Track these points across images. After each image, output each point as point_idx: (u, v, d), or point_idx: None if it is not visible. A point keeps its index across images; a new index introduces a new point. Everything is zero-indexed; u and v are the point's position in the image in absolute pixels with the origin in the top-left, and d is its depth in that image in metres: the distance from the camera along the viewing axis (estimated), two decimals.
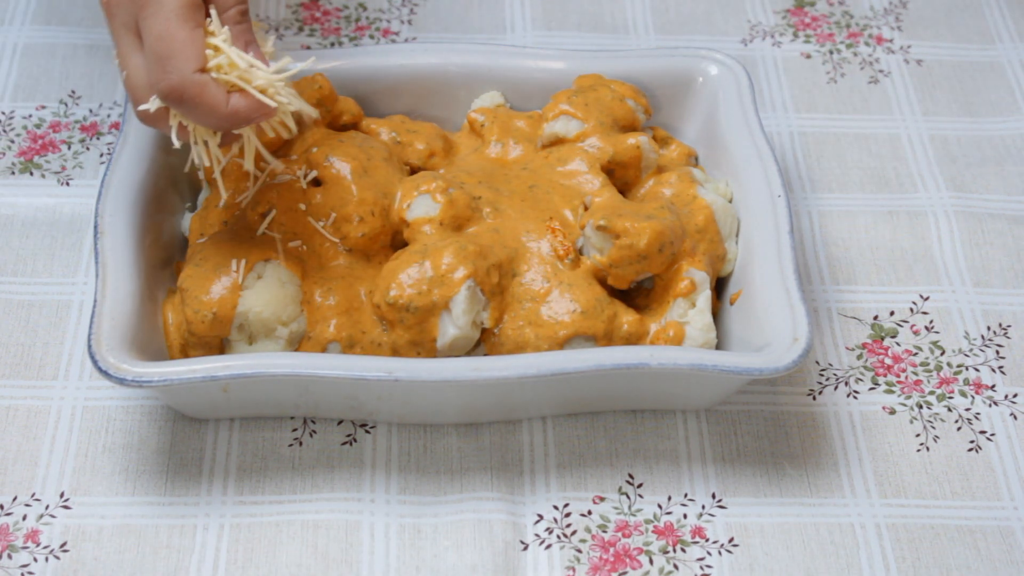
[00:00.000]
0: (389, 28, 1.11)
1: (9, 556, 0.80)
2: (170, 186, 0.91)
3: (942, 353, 0.92)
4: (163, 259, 0.88)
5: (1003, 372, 0.92)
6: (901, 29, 1.14)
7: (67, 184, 0.99)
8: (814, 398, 0.90)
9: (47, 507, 0.82)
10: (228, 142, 0.81)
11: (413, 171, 0.92)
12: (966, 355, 0.92)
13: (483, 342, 0.85)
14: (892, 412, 0.89)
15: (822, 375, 0.91)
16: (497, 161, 0.92)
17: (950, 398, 0.90)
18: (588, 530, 0.83)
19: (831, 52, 1.12)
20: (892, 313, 0.94)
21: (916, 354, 0.92)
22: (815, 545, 0.83)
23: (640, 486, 0.85)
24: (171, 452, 0.85)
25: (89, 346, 0.78)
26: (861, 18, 1.15)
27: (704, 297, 0.86)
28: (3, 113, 1.03)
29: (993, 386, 0.91)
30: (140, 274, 0.83)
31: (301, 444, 0.86)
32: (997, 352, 0.93)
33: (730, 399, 0.89)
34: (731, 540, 0.83)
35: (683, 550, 0.82)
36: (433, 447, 0.86)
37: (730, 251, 0.90)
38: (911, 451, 0.87)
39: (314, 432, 0.86)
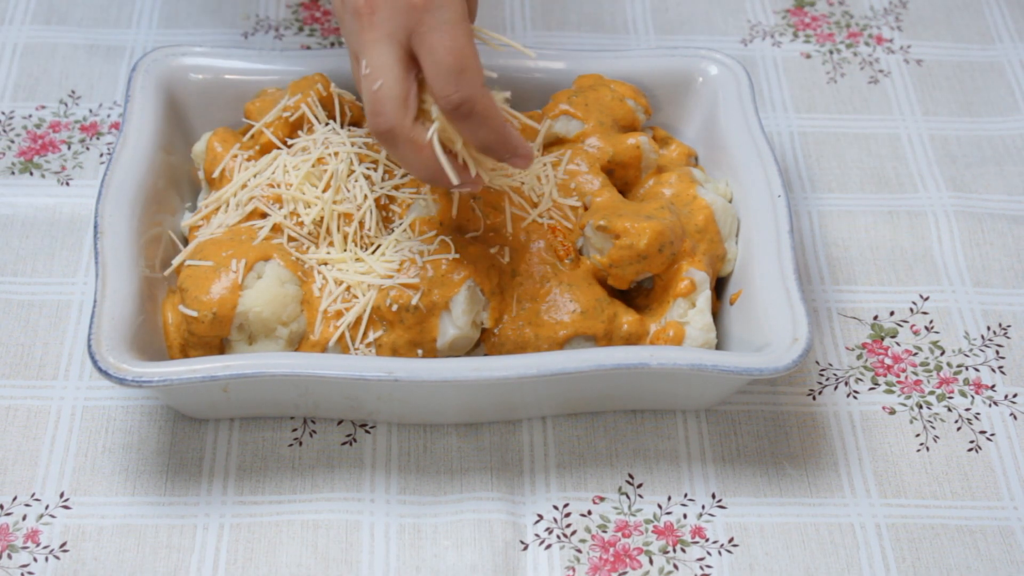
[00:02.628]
0: None
1: (9, 556, 0.80)
2: (170, 186, 0.91)
3: (942, 353, 0.92)
4: (163, 259, 0.88)
5: (1003, 372, 0.92)
6: (901, 29, 1.14)
7: (67, 184, 0.99)
8: (814, 398, 0.90)
9: (47, 507, 0.82)
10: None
11: None
12: (966, 355, 0.92)
13: (483, 342, 0.85)
14: (892, 412, 0.89)
15: (822, 375, 0.91)
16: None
17: (950, 398, 0.90)
18: (588, 530, 0.83)
19: (831, 52, 1.12)
20: (892, 313, 0.94)
21: (916, 354, 0.92)
22: (815, 545, 0.83)
23: (640, 486, 0.85)
24: (171, 452, 0.85)
25: (89, 346, 0.78)
26: (861, 18, 1.15)
27: (704, 297, 0.86)
28: (3, 113, 1.03)
29: (993, 386, 0.91)
30: (140, 274, 0.83)
31: (301, 444, 0.86)
32: (997, 352, 0.93)
33: (730, 399, 0.89)
34: (731, 540, 0.83)
35: (683, 550, 0.82)
36: (433, 447, 0.86)
37: (730, 251, 0.90)
38: (911, 451, 0.87)
39: (314, 432, 0.86)
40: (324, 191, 0.87)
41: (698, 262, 0.87)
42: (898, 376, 0.91)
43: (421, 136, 0.77)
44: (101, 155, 1.01)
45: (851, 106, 1.08)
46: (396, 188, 0.88)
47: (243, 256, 0.83)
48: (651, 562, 0.81)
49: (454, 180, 0.77)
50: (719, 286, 0.91)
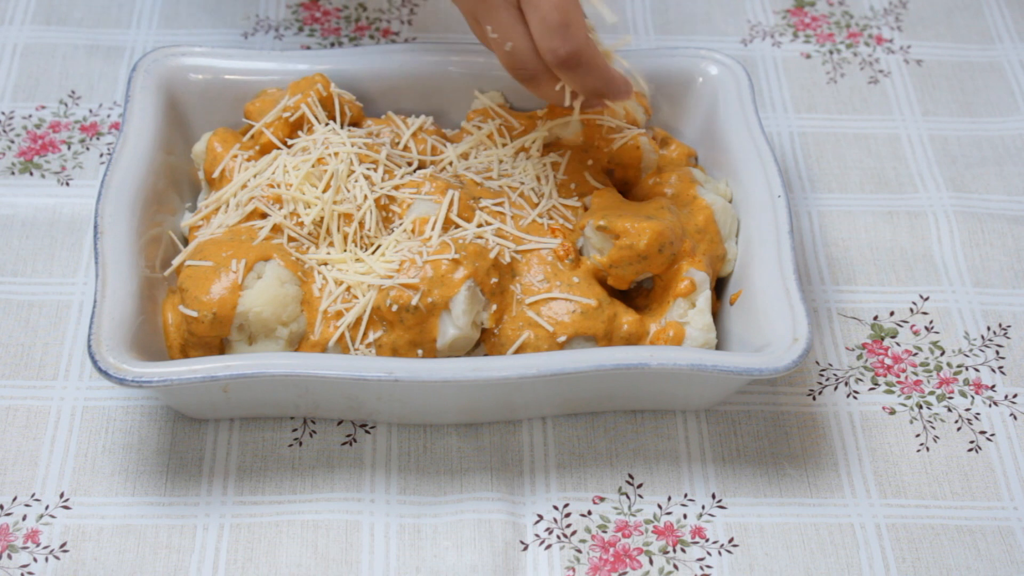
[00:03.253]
0: (389, 28, 1.11)
1: (9, 556, 0.80)
2: (170, 186, 0.91)
3: (942, 353, 0.92)
4: (163, 259, 0.88)
5: (1003, 372, 0.92)
6: (901, 29, 1.14)
7: (67, 184, 0.99)
8: (814, 398, 0.90)
9: (47, 507, 0.82)
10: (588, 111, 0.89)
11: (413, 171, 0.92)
12: (966, 355, 0.92)
13: (483, 342, 0.85)
14: (892, 412, 0.89)
15: (822, 375, 0.91)
16: (498, 161, 0.92)
17: (950, 398, 0.90)
18: (588, 530, 0.83)
19: (831, 52, 1.12)
20: (892, 313, 0.94)
21: (916, 354, 0.92)
22: (815, 545, 0.83)
23: (640, 486, 0.85)
24: (171, 452, 0.85)
25: (89, 346, 0.78)
26: (861, 18, 1.15)
27: (704, 297, 0.86)
28: (3, 113, 1.03)
29: (993, 386, 0.91)
30: (140, 274, 0.83)
31: (301, 444, 0.86)
32: (997, 352, 0.93)
33: (730, 399, 0.89)
34: (731, 540, 0.83)
35: (683, 550, 0.82)
36: (433, 447, 0.86)
37: (730, 251, 0.90)
38: (911, 451, 0.87)
39: (314, 432, 0.86)
40: (324, 191, 0.87)
41: (698, 262, 0.87)
42: (898, 376, 0.91)
43: (553, 77, 0.83)
44: (101, 155, 1.01)
45: (851, 106, 1.08)
46: (396, 188, 0.88)
47: (243, 256, 0.83)
48: (651, 562, 0.81)
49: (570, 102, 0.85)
50: (719, 286, 0.91)
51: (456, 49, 0.98)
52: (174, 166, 0.93)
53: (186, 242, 0.91)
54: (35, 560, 0.80)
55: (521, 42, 0.82)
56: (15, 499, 0.83)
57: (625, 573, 0.81)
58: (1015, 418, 0.89)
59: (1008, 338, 0.93)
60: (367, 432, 0.86)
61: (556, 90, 0.84)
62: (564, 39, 0.80)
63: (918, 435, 0.88)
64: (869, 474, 0.86)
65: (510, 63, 0.83)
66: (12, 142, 1.01)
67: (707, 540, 0.82)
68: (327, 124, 0.91)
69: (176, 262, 0.87)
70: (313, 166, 0.88)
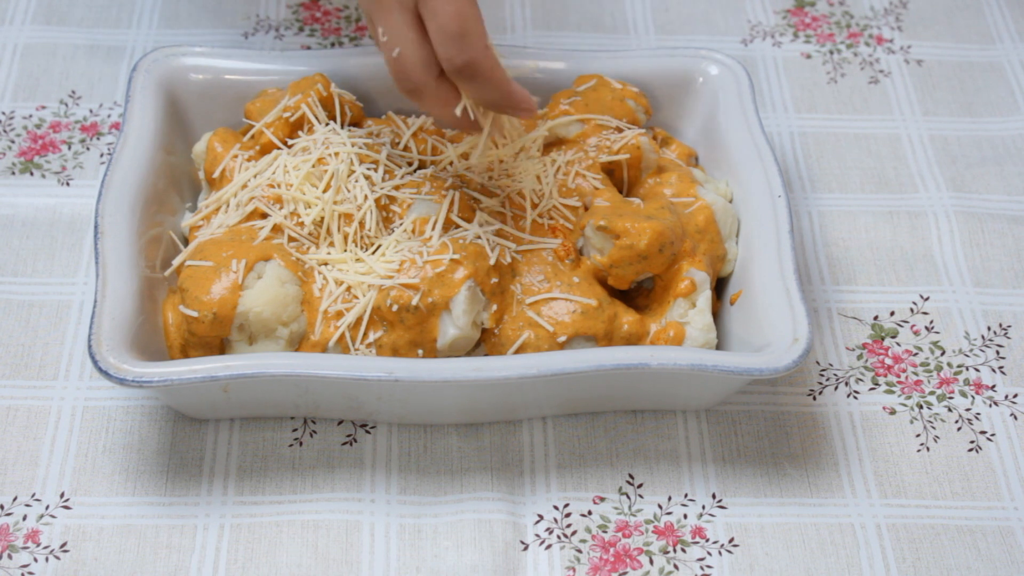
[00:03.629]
0: None
1: (9, 556, 0.80)
2: (170, 186, 0.91)
3: (942, 353, 0.92)
4: (163, 259, 0.88)
5: (1003, 372, 0.92)
6: (901, 29, 1.14)
7: (67, 184, 0.99)
8: (814, 398, 0.90)
9: (47, 507, 0.82)
10: (470, 130, 0.84)
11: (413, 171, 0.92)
12: (966, 355, 0.92)
13: (483, 342, 0.85)
14: (892, 412, 0.89)
15: (822, 375, 0.91)
16: (498, 161, 0.92)
17: (950, 398, 0.90)
18: (588, 530, 0.83)
19: (831, 52, 1.12)
20: (892, 313, 0.94)
21: (916, 354, 0.92)
22: (815, 545, 0.83)
23: (640, 486, 0.85)
24: (171, 452, 0.85)
25: (89, 346, 0.78)
26: (861, 18, 1.15)
27: (704, 297, 0.86)
28: (3, 113, 1.03)
29: (993, 386, 0.91)
30: (140, 274, 0.83)
31: (301, 444, 0.86)
32: (997, 352, 0.93)
33: (730, 399, 0.89)
34: (731, 540, 0.83)
35: (683, 550, 0.82)
36: (433, 447, 0.86)
37: (730, 251, 0.90)
38: (911, 451, 0.87)
39: (314, 432, 0.86)
40: (324, 191, 0.87)
41: (698, 262, 0.87)
42: (898, 376, 0.91)
43: (445, 92, 0.80)
44: (101, 155, 1.01)
45: (851, 106, 1.08)
46: (396, 188, 0.88)
47: (243, 256, 0.83)
48: (651, 562, 0.81)
49: (466, 126, 0.83)
50: (719, 286, 0.91)
51: None
52: (174, 166, 0.93)
53: (186, 242, 0.91)
54: (35, 560, 0.80)
55: (410, 49, 0.79)
56: (15, 499, 0.83)
57: (625, 573, 0.81)
58: (1015, 418, 0.89)
59: (1008, 338, 0.93)
60: (367, 432, 0.86)
61: (440, 108, 0.81)
62: (461, 48, 0.77)
63: (918, 435, 0.88)
64: (869, 474, 0.86)
65: (396, 70, 0.80)
66: (12, 142, 1.01)
67: (707, 540, 0.82)
68: (327, 124, 0.91)
69: (176, 262, 0.87)
70: (313, 166, 0.88)
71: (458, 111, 0.81)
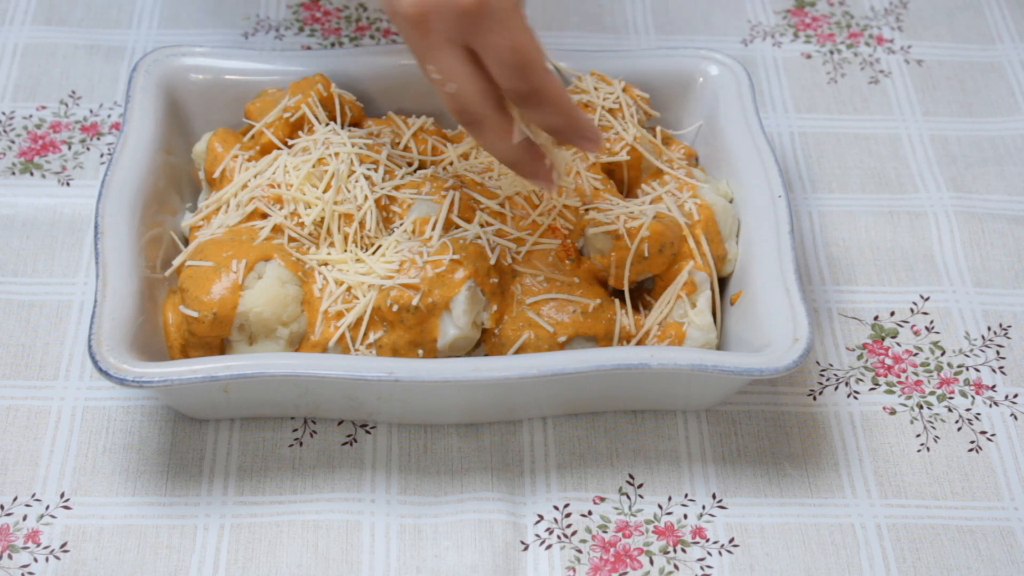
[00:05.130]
0: (389, 28, 1.11)
1: (9, 556, 0.80)
2: (170, 186, 0.91)
3: (942, 353, 0.92)
4: (164, 259, 0.88)
5: (1003, 372, 0.92)
6: (901, 29, 1.14)
7: (67, 184, 0.99)
8: (814, 398, 0.90)
9: (47, 507, 0.82)
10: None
11: (414, 172, 0.92)
12: (966, 355, 0.92)
13: (483, 342, 0.85)
14: (892, 412, 0.89)
15: (822, 375, 0.91)
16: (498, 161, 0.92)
17: (950, 398, 0.90)
18: (588, 530, 0.83)
19: (831, 52, 1.12)
20: (892, 313, 0.94)
21: (916, 354, 0.92)
22: (815, 545, 0.83)
23: (640, 486, 0.85)
24: (171, 452, 0.85)
25: (89, 346, 0.78)
26: (861, 18, 1.15)
27: (704, 297, 0.86)
28: (3, 113, 1.03)
29: (993, 386, 0.91)
30: (140, 274, 0.83)
31: (301, 444, 0.86)
32: (997, 352, 0.93)
33: (730, 399, 0.89)
34: (731, 540, 0.83)
35: (683, 550, 0.82)
36: (433, 447, 0.86)
37: (730, 251, 0.90)
38: (911, 451, 0.87)
39: (314, 432, 0.86)
40: (324, 191, 0.87)
41: (698, 262, 0.87)
42: (898, 376, 0.91)
43: (506, 123, 0.79)
44: (101, 155, 1.01)
45: (851, 106, 1.08)
46: (396, 188, 0.88)
47: (243, 256, 0.83)
48: (651, 562, 0.81)
49: (528, 166, 0.81)
50: (719, 286, 0.91)
51: None
52: (174, 166, 0.93)
53: (186, 242, 0.91)
54: (35, 560, 0.80)
55: (466, 83, 0.77)
56: (15, 499, 0.83)
57: (625, 573, 0.81)
58: (1015, 418, 0.89)
59: (1008, 338, 0.93)
60: (367, 432, 0.86)
61: (500, 139, 0.79)
62: (524, 78, 0.76)
63: (918, 435, 0.88)
64: (869, 474, 0.86)
65: (453, 106, 0.79)
66: (12, 142, 1.01)
67: (707, 540, 0.82)
68: (327, 124, 0.91)
69: (176, 262, 0.87)
70: (314, 166, 0.88)
71: (515, 137, 0.79)
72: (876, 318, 0.94)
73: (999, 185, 1.03)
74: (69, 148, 1.01)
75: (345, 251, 0.86)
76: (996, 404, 0.90)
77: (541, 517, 0.83)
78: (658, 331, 0.85)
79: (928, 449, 0.87)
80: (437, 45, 0.77)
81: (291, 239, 0.86)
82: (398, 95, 0.97)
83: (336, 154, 0.88)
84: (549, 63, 0.81)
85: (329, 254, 0.86)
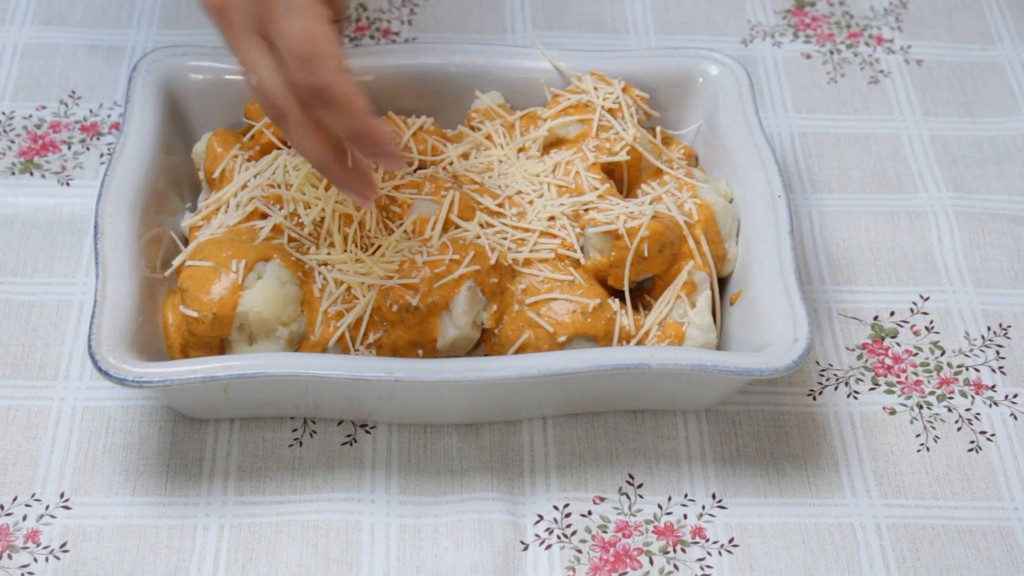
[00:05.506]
0: (389, 28, 1.11)
1: (9, 556, 0.80)
2: (170, 186, 0.91)
3: (942, 353, 0.92)
4: (164, 259, 0.88)
5: (1003, 372, 0.92)
6: (901, 29, 1.14)
7: (67, 184, 0.99)
8: (814, 398, 0.90)
9: (47, 507, 0.82)
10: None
11: (414, 171, 0.92)
12: (966, 355, 0.92)
13: (483, 342, 0.85)
14: (892, 412, 0.89)
15: (822, 375, 0.91)
16: (498, 161, 0.92)
17: (950, 398, 0.90)
18: (588, 530, 0.83)
19: (831, 52, 1.12)
20: (892, 313, 0.94)
21: (916, 354, 0.92)
22: (815, 545, 0.83)
23: (640, 486, 0.85)
24: (171, 452, 0.85)
25: (89, 346, 0.78)
26: (861, 18, 1.15)
27: (704, 297, 0.86)
28: (3, 113, 1.03)
29: (993, 386, 0.91)
30: (140, 274, 0.83)
31: (301, 444, 0.86)
32: (997, 352, 0.93)
33: (730, 399, 0.89)
34: (731, 540, 0.83)
35: (683, 550, 0.82)
36: (433, 447, 0.86)
37: (730, 251, 0.90)
38: (911, 451, 0.87)
39: (314, 432, 0.86)
40: (325, 191, 0.87)
41: (698, 262, 0.87)
42: (898, 376, 0.91)
43: (313, 121, 0.75)
44: (101, 155, 1.01)
45: (851, 106, 1.08)
46: (396, 188, 0.88)
47: (243, 256, 0.83)
48: (651, 562, 0.81)
49: (338, 172, 0.76)
50: (719, 286, 0.91)
51: (456, 49, 0.98)
52: (174, 166, 0.93)
53: (186, 242, 0.91)
54: (35, 560, 0.80)
55: (267, 75, 0.74)
56: (15, 499, 0.83)
57: (625, 573, 0.81)
58: (1015, 418, 0.89)
59: (1008, 338, 0.93)
60: (367, 432, 0.86)
61: (307, 138, 0.75)
62: (312, 71, 0.71)
63: (918, 435, 0.88)
64: (869, 474, 0.86)
65: (258, 98, 0.75)
66: (12, 142, 1.01)
67: (707, 540, 0.82)
68: None
69: (176, 262, 0.87)
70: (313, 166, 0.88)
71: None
72: (876, 318, 0.94)
73: (999, 185, 1.03)
74: (69, 148, 1.01)
75: (345, 251, 0.86)
76: (996, 404, 0.90)
77: (541, 517, 0.83)
78: (658, 331, 0.85)
79: (928, 449, 0.87)
80: (239, 34, 0.74)
81: (291, 239, 0.86)
82: (398, 95, 0.97)
83: None
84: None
85: (329, 254, 0.86)
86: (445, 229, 0.86)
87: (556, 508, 0.84)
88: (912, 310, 0.95)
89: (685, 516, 0.84)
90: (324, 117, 0.74)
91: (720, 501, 0.84)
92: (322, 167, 0.77)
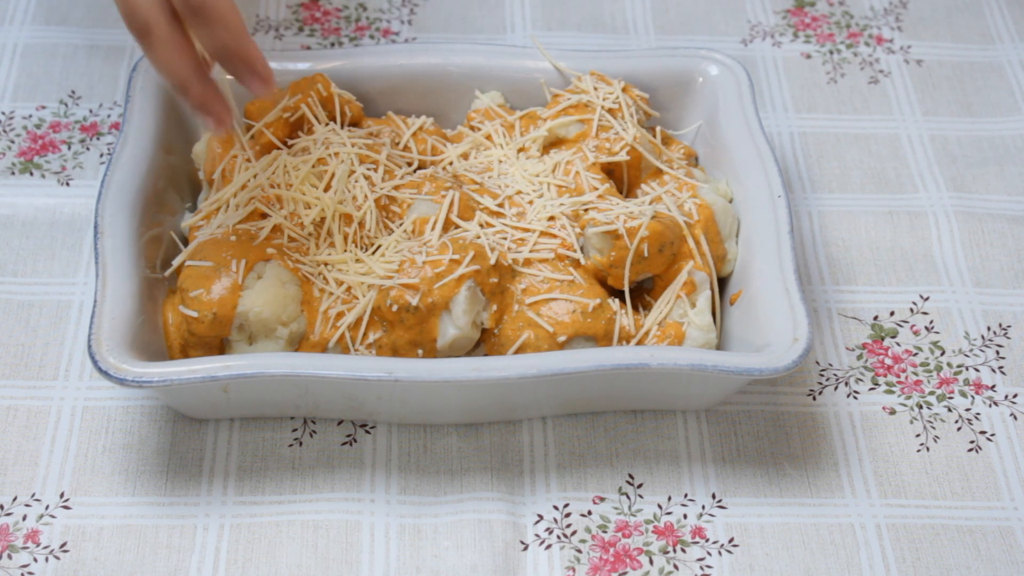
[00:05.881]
0: (389, 28, 1.12)
1: (9, 556, 0.80)
2: (170, 186, 0.91)
3: (942, 353, 0.92)
4: (163, 259, 0.88)
5: (1003, 372, 0.92)
6: (901, 29, 1.14)
7: (67, 184, 0.99)
8: (814, 398, 0.90)
9: (47, 507, 0.82)
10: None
11: (413, 171, 0.92)
12: (966, 355, 0.92)
13: (483, 342, 0.85)
14: (892, 412, 0.89)
15: (822, 375, 0.91)
16: (497, 161, 0.92)
17: (950, 398, 0.90)
18: (588, 530, 0.83)
19: (831, 52, 1.12)
20: (892, 313, 0.94)
21: (916, 354, 0.92)
22: (815, 545, 0.83)
23: (640, 486, 0.85)
24: (171, 452, 0.85)
25: (89, 346, 0.78)
26: (861, 18, 1.15)
27: (704, 297, 0.86)
28: (3, 113, 1.03)
29: (993, 386, 0.91)
30: (140, 274, 0.83)
31: (301, 444, 0.86)
32: (997, 352, 0.93)
33: (730, 399, 0.89)
34: (731, 540, 0.83)
35: (683, 550, 0.82)
36: (433, 447, 0.86)
37: (730, 251, 0.90)
38: (911, 451, 0.87)
39: (314, 432, 0.86)
40: (324, 191, 0.87)
41: (698, 262, 0.87)
42: (898, 376, 0.91)
43: (180, 38, 0.73)
44: (101, 155, 1.01)
45: (851, 106, 1.08)
46: (396, 188, 0.88)
47: (243, 256, 0.83)
48: (651, 562, 0.81)
49: (199, 91, 0.74)
50: (719, 286, 0.91)
51: (456, 49, 0.98)
52: (174, 166, 0.93)
53: (186, 242, 0.91)
54: (35, 560, 0.80)
55: None
56: (15, 499, 0.83)
57: (625, 573, 0.81)
58: (1015, 418, 0.89)
59: (1008, 338, 0.93)
60: (367, 432, 0.86)
61: (171, 55, 0.73)
62: None
63: (918, 435, 0.88)
64: (869, 474, 0.86)
65: (123, 6, 0.73)
66: (12, 142, 1.01)
67: (707, 540, 0.82)
68: (327, 124, 0.91)
69: (176, 262, 0.87)
70: (313, 166, 0.88)
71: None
72: (876, 318, 0.94)
73: (999, 185, 1.03)
74: (69, 148, 1.01)
75: (345, 251, 0.86)
76: (996, 404, 0.90)
77: (541, 517, 0.83)
78: (658, 331, 0.85)
79: (928, 449, 0.87)
80: None
81: (291, 239, 0.86)
82: (398, 95, 0.97)
83: (336, 154, 0.88)
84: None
85: (329, 254, 0.86)
86: (445, 229, 0.86)
87: (556, 508, 0.84)
88: (912, 310, 0.95)
89: (685, 516, 0.84)
90: (197, 33, 0.72)
91: (720, 501, 0.84)
92: (182, 85, 0.75)
